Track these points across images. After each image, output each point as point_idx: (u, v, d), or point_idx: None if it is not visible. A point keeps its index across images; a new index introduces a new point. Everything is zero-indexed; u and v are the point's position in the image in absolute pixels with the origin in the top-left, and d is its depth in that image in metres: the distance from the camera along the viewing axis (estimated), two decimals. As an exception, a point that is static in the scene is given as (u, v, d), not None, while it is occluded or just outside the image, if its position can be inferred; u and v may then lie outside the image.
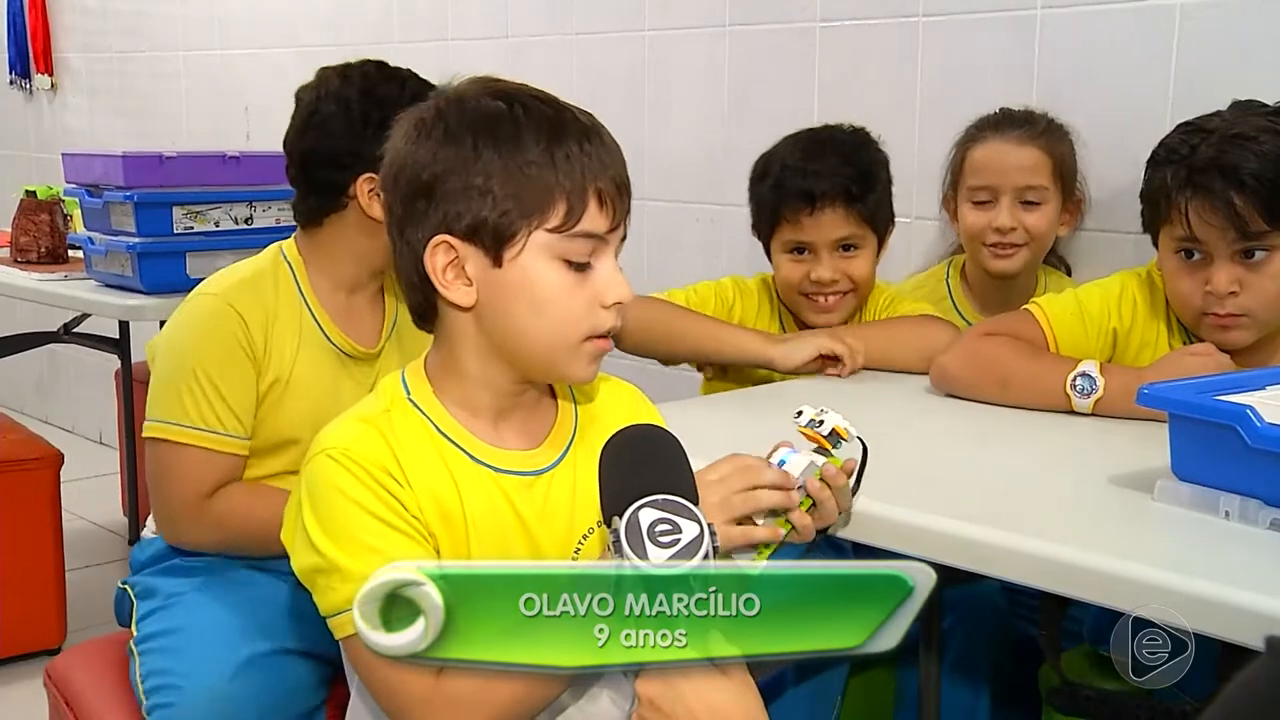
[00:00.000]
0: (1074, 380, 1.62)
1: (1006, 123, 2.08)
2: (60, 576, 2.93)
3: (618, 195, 1.17)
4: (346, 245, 1.83)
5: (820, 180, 1.93)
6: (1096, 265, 2.13)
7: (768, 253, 2.04)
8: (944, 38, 2.35)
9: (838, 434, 1.24)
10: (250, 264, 1.83)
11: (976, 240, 2.08)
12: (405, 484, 1.17)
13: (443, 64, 3.33)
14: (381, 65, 1.86)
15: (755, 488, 1.21)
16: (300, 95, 1.86)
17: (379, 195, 1.69)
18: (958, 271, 2.20)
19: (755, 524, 1.21)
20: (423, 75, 1.87)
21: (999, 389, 1.69)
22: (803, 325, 2.05)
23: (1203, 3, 2.05)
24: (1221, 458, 1.22)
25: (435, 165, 1.15)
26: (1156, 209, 1.67)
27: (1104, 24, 2.16)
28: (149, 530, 1.87)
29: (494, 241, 1.15)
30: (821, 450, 1.24)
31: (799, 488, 1.21)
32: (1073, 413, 1.64)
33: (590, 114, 1.20)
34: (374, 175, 1.74)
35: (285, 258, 1.83)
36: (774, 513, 1.21)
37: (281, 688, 1.63)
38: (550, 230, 1.15)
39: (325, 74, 1.85)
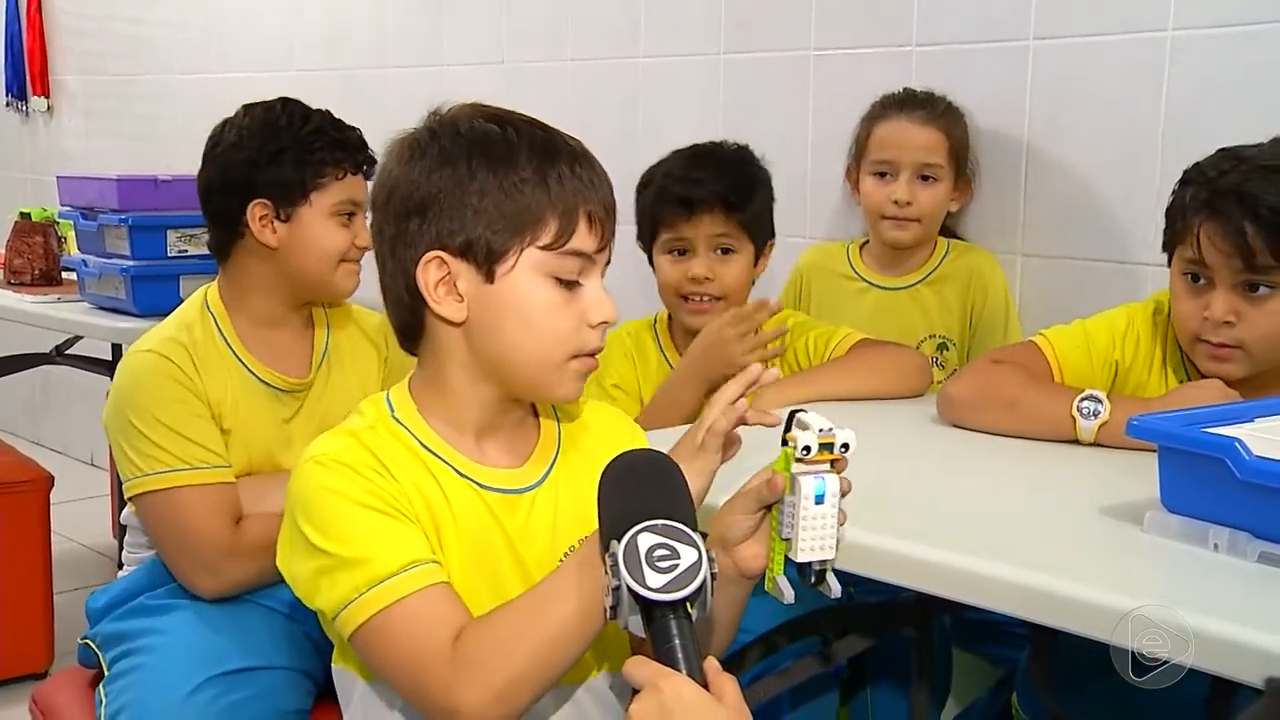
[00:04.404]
0: (1080, 403, 1.62)
1: (910, 103, 2.24)
2: (48, 599, 2.91)
3: (606, 218, 1.21)
4: (255, 279, 1.85)
5: (698, 187, 2.02)
6: (1091, 298, 2.13)
7: (651, 263, 2.10)
8: (937, 67, 2.36)
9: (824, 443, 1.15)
10: (176, 317, 1.84)
11: (875, 211, 2.24)
12: (391, 477, 1.18)
13: (437, 89, 3.34)
14: (292, 103, 1.88)
15: None
16: (213, 130, 1.90)
17: (269, 222, 1.80)
18: (857, 245, 2.36)
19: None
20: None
21: (1005, 413, 1.69)
22: (680, 340, 2.11)
23: (1194, 36, 2.06)
24: (1210, 490, 1.22)
25: (430, 185, 1.18)
26: (1173, 227, 1.67)
27: (1096, 56, 2.17)
28: (126, 567, 1.86)
29: (487, 258, 1.18)
30: (817, 461, 1.15)
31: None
32: (1068, 443, 1.64)
33: (579, 140, 1.23)
34: (265, 202, 1.80)
35: (208, 305, 1.84)
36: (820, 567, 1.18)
37: (249, 702, 1.62)
38: (542, 248, 1.18)
39: (240, 109, 1.89)
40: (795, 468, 1.15)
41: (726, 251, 2.03)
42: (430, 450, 1.22)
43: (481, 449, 1.25)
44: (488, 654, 1.10)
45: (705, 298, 2.03)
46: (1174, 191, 1.68)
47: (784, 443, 1.16)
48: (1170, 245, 1.69)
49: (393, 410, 1.24)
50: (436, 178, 1.18)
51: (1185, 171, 1.67)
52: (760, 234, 2.05)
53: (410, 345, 1.26)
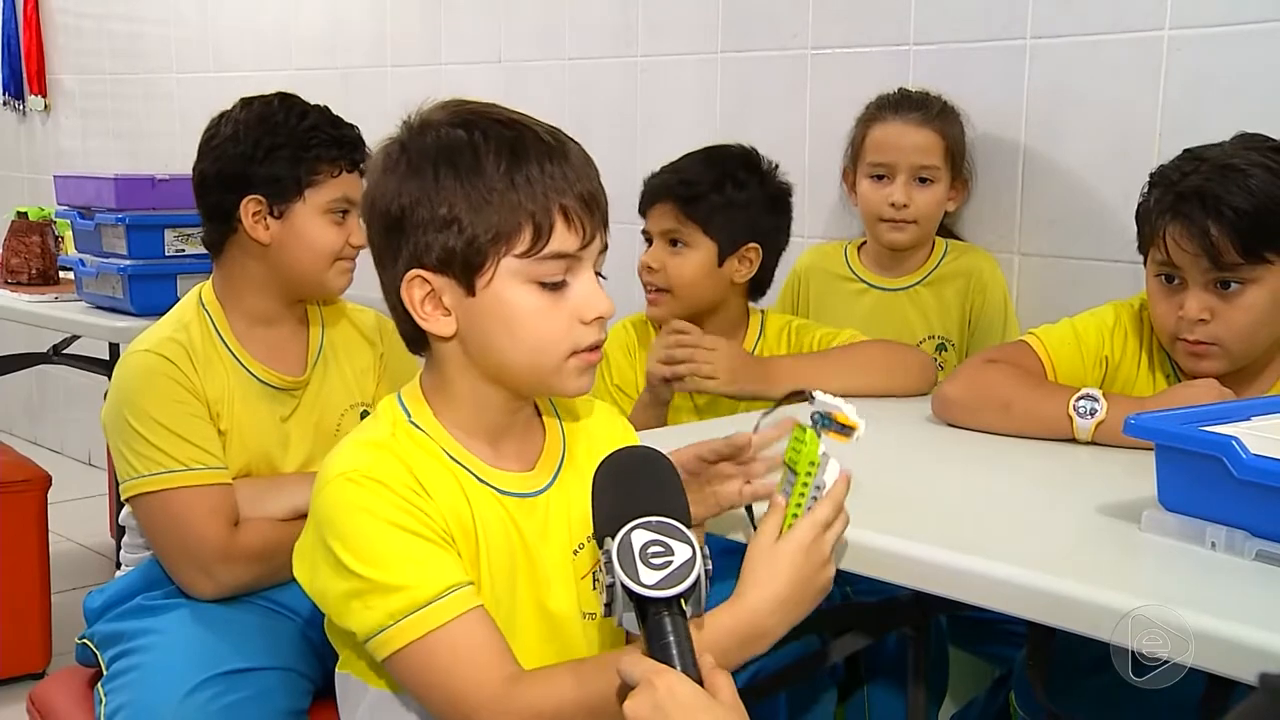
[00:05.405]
0: (1077, 403, 1.62)
1: (905, 105, 2.24)
2: (46, 599, 2.91)
3: (586, 211, 1.17)
4: (248, 275, 1.84)
5: (658, 179, 2.05)
6: (1088, 298, 2.13)
7: None
8: (934, 66, 2.36)
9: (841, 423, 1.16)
10: (173, 316, 1.83)
11: (873, 214, 2.23)
12: (427, 496, 1.17)
13: (435, 89, 3.32)
14: (290, 98, 1.86)
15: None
16: (209, 122, 1.88)
17: (263, 219, 1.79)
18: (855, 246, 2.35)
19: None
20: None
21: (1001, 413, 1.69)
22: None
23: (1190, 35, 2.06)
24: (1207, 489, 1.22)
25: (402, 198, 1.16)
26: (1143, 230, 1.69)
27: (1093, 54, 2.17)
28: (125, 567, 1.86)
29: (465, 271, 1.16)
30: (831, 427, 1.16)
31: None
32: (1067, 442, 1.64)
33: (557, 130, 1.20)
34: (259, 198, 1.79)
35: (203, 303, 1.83)
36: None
37: (247, 702, 1.62)
38: (519, 255, 1.15)
39: (238, 102, 1.88)
40: (824, 443, 1.15)
41: (676, 244, 2.02)
42: (453, 458, 1.21)
43: (496, 454, 1.24)
44: (537, 697, 1.11)
45: (653, 287, 2.04)
46: (1141, 195, 1.70)
47: (814, 421, 1.15)
48: (1143, 248, 1.70)
49: (409, 415, 1.22)
50: (407, 190, 1.16)
51: (1150, 175, 1.69)
52: (722, 234, 2.01)
53: (419, 351, 1.25)
